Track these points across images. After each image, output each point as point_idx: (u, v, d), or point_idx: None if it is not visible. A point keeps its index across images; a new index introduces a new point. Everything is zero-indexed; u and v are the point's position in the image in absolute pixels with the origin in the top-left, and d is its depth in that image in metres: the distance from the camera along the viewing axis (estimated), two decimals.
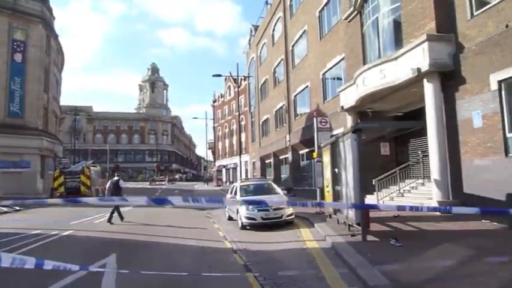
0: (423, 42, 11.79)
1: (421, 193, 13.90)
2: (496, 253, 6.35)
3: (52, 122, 34.92)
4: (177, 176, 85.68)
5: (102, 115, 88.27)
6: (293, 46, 28.63)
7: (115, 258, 7.80)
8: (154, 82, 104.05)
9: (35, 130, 30.08)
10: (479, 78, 10.86)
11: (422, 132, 13.56)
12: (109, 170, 65.85)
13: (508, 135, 10.17)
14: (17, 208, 19.18)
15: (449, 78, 11.88)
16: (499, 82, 10.26)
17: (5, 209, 18.08)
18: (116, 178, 14.77)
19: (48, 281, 5.97)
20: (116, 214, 13.99)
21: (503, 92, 10.27)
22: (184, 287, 6.00)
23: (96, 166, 31.05)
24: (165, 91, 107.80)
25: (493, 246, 7.11)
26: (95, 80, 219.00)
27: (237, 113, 41.88)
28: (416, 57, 12.04)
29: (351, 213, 8.73)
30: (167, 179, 67.31)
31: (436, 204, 11.45)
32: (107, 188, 14.81)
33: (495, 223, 9.12)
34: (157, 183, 60.57)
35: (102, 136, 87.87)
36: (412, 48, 12.24)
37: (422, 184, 14.54)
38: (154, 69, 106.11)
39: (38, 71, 30.98)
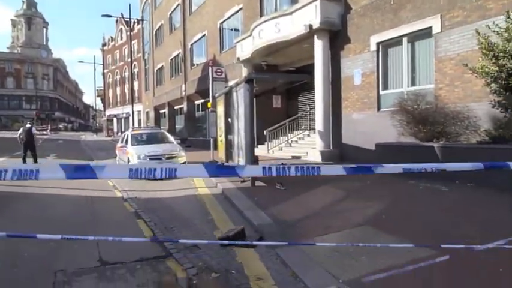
0: None
1: (307, 143, 15.07)
2: (360, 194, 7.32)
3: None
4: (61, 126, 78.38)
5: None
6: None
7: None
8: (31, 18, 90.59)
9: None
10: (361, 39, 11.83)
11: (310, 86, 14.46)
12: None
13: (381, 92, 11.45)
14: None
15: (336, 37, 12.71)
16: (377, 44, 11.33)
17: None
18: (28, 126, 15.37)
19: None
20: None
21: (380, 53, 11.39)
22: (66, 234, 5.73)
23: None
24: (44, 29, 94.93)
25: (361, 188, 8.12)
26: None
27: (130, 59, 39.31)
28: (309, 14, 12.53)
29: (242, 160, 9.12)
30: (49, 128, 61.30)
31: (318, 154, 12.58)
32: (18, 134, 15.23)
33: None
34: (37, 132, 54.79)
35: None
36: (306, 5, 12.68)
37: (308, 135, 15.74)
38: (31, 3, 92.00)
39: None
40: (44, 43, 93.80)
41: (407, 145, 9.26)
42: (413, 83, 10.54)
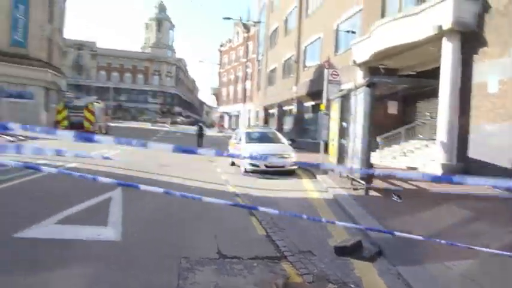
0: None
1: (424, 154, 13.91)
2: (495, 218, 6.44)
3: (56, 55, 33.97)
4: (178, 119, 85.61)
5: (106, 52, 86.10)
6: None
7: (120, 192, 7.94)
8: (161, 21, 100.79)
9: (38, 61, 29.27)
10: (500, 42, 10.47)
11: (431, 93, 13.32)
12: (112, 108, 65.88)
13: None
14: (21, 138, 19.28)
15: (469, 39, 11.45)
16: None
17: (9, 138, 18.19)
18: (199, 124, 25.17)
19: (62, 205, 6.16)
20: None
21: None
22: (186, 224, 6.13)
23: (99, 103, 30.88)
24: (171, 31, 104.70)
25: (492, 209, 7.19)
26: (97, 12, 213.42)
27: (244, 60, 41.02)
28: (439, 14, 11.53)
29: (356, 166, 8.78)
30: (169, 121, 67.34)
31: (439, 167, 11.52)
32: (195, 130, 24.56)
33: (497, 189, 9.18)
34: (159, 124, 60.76)
35: (106, 73, 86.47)
36: (436, 4, 11.69)
37: (427, 146, 14.51)
38: (162, 7, 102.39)
39: None
40: (170, 44, 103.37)
41: None
42: None
